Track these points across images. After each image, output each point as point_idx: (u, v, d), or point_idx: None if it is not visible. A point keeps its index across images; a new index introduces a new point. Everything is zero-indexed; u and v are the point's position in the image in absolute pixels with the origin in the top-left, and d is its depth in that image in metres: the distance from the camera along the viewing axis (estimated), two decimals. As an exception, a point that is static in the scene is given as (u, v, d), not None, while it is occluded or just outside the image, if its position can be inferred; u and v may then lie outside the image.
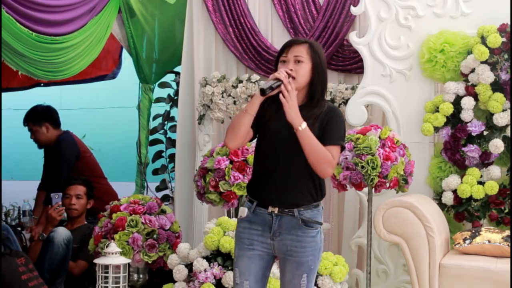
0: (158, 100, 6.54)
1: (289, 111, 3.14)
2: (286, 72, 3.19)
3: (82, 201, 5.32)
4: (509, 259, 4.22)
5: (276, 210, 3.24)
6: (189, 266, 4.27)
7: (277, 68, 3.26)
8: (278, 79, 3.16)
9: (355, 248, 5.15)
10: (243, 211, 3.31)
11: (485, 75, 4.72)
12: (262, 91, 3.14)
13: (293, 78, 3.20)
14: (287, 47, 3.27)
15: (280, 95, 3.16)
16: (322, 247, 3.31)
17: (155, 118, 6.58)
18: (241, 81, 5.42)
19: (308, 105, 3.24)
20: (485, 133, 4.77)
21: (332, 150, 3.19)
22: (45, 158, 5.93)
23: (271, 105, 3.24)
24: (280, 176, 3.23)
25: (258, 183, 3.29)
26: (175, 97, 6.36)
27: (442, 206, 4.80)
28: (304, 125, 3.14)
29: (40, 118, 5.75)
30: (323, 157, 3.15)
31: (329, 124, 3.22)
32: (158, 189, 6.49)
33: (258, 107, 3.21)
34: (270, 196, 3.25)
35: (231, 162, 4.45)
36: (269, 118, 3.25)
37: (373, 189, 4.39)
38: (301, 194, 3.24)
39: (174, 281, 4.30)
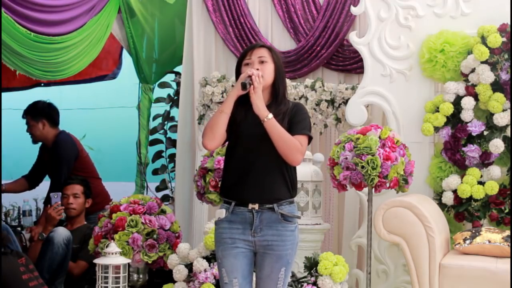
0: (158, 100, 6.54)
1: (256, 101, 3.34)
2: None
3: (80, 200, 5.32)
4: (509, 259, 4.22)
5: (256, 206, 3.38)
6: (189, 266, 4.27)
7: (241, 72, 3.47)
8: (249, 76, 3.37)
9: (355, 248, 5.15)
10: (221, 213, 3.44)
11: (485, 75, 4.71)
12: (244, 85, 3.35)
13: (262, 76, 3.39)
14: (249, 50, 3.48)
15: (250, 89, 3.35)
16: (298, 242, 3.47)
17: (155, 118, 6.58)
18: (241, 81, 5.42)
19: (274, 103, 3.45)
20: (485, 133, 4.77)
21: (300, 139, 3.38)
22: (38, 157, 5.93)
23: (239, 109, 3.43)
24: (258, 174, 3.39)
25: (235, 184, 3.42)
26: (175, 97, 6.37)
27: (442, 206, 4.80)
28: (270, 115, 3.34)
29: (39, 113, 5.74)
30: (292, 144, 3.34)
31: (295, 117, 3.43)
32: (158, 189, 6.49)
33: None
34: (250, 194, 3.39)
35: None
36: (240, 121, 3.43)
37: (373, 189, 4.39)
38: (279, 189, 3.41)
39: (174, 281, 4.30)
